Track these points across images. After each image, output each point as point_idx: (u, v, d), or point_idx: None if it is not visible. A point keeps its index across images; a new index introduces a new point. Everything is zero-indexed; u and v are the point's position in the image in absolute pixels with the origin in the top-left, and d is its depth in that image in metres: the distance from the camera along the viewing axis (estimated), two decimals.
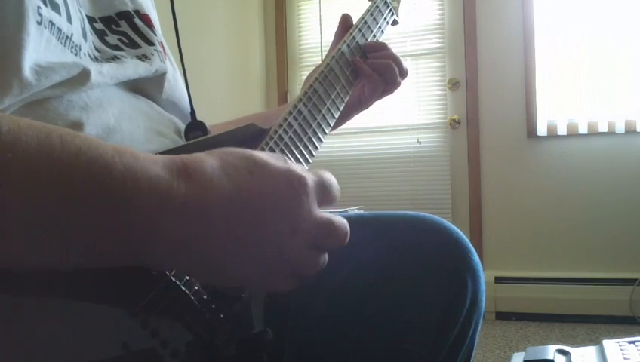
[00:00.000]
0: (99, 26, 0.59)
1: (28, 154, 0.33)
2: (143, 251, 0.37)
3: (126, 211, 0.35)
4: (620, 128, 2.77)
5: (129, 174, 0.35)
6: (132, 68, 0.58)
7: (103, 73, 0.53)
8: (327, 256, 0.43)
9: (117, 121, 0.53)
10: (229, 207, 0.38)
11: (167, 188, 0.36)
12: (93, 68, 0.52)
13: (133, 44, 0.61)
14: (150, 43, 0.62)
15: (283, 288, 0.43)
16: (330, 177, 0.44)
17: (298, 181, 0.41)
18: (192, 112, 0.65)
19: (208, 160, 0.39)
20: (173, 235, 0.37)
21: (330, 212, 0.45)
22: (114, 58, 0.57)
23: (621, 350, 0.75)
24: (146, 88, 0.62)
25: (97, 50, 0.56)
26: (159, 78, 0.62)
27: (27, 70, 0.45)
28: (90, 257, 0.36)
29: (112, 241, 0.36)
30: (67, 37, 0.51)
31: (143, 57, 0.60)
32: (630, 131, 2.77)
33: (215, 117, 0.90)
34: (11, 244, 0.33)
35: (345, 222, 0.44)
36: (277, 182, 0.40)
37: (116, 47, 0.59)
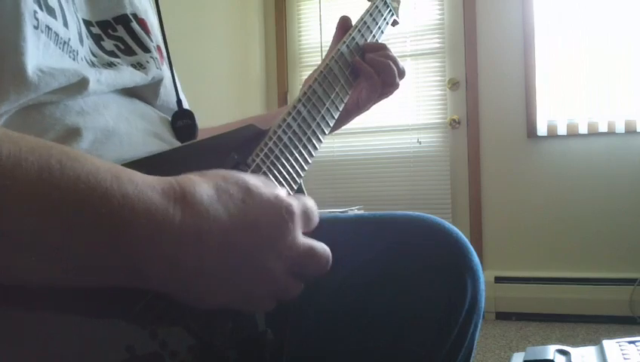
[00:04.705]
0: (95, 30, 0.59)
1: (28, 180, 0.33)
2: (137, 274, 0.38)
3: (122, 238, 0.36)
4: (620, 128, 2.77)
5: (126, 202, 0.36)
6: (128, 76, 0.58)
7: (100, 81, 0.53)
8: (301, 284, 0.46)
9: (115, 124, 0.53)
10: (222, 234, 0.40)
11: (164, 215, 0.37)
12: (92, 76, 0.52)
13: (129, 51, 0.61)
14: (146, 50, 0.62)
15: (261, 310, 0.46)
16: (312, 204, 0.47)
17: (286, 209, 0.43)
18: (179, 101, 0.65)
19: (204, 186, 0.40)
20: (167, 260, 0.38)
21: (330, 212, 0.45)
22: (110, 64, 0.57)
23: (621, 350, 0.75)
24: (142, 94, 0.62)
25: (94, 54, 0.56)
26: (155, 84, 0.63)
27: (29, 74, 0.45)
28: (85, 279, 0.37)
29: (106, 265, 0.37)
30: (64, 42, 0.51)
31: (139, 66, 0.61)
32: (630, 131, 2.77)
33: (215, 117, 0.91)
34: (10, 264, 0.34)
35: (327, 249, 0.46)
36: (267, 210, 0.42)
37: (112, 54, 0.59)
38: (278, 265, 0.43)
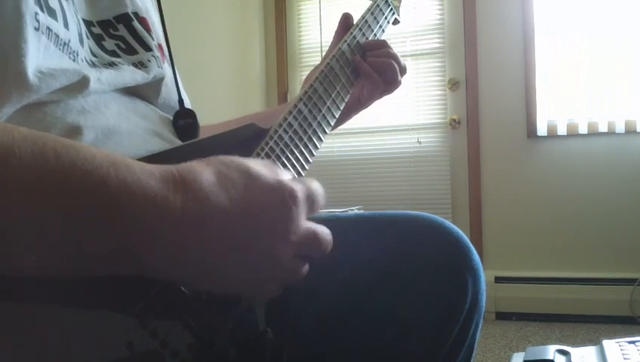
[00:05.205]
0: (96, 30, 0.59)
1: (22, 167, 0.33)
2: (139, 261, 0.37)
3: (122, 223, 0.36)
4: (620, 128, 2.77)
5: (124, 188, 0.36)
6: (129, 75, 0.58)
7: (101, 81, 0.53)
8: (307, 265, 0.46)
9: (116, 122, 0.53)
10: (225, 218, 0.39)
11: (163, 200, 0.37)
12: (92, 75, 0.52)
13: (130, 50, 0.61)
14: (147, 48, 0.62)
15: (268, 295, 0.46)
16: (317, 186, 0.46)
17: (289, 193, 0.43)
18: (180, 100, 0.65)
19: (205, 172, 0.40)
20: (169, 246, 0.37)
21: (330, 212, 0.45)
22: (111, 64, 0.57)
23: (621, 350, 0.74)
24: (143, 92, 0.62)
25: (94, 55, 0.56)
26: (156, 83, 0.63)
27: (30, 76, 0.45)
28: (86, 267, 0.37)
29: (107, 251, 0.36)
30: (65, 43, 0.51)
31: (140, 65, 0.60)
32: (630, 131, 2.77)
33: (215, 117, 0.90)
34: (8, 253, 0.34)
35: (327, 231, 0.46)
36: (270, 194, 0.42)
37: (113, 53, 0.59)
38: (285, 251, 0.42)
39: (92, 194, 0.35)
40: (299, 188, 0.43)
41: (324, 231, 0.45)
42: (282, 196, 0.42)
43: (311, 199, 0.45)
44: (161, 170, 0.39)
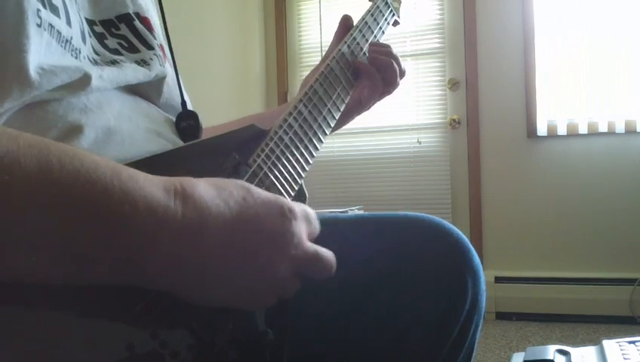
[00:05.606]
0: (99, 29, 0.59)
1: (26, 176, 0.33)
2: (137, 271, 0.38)
3: (123, 233, 0.36)
4: (620, 128, 2.77)
5: (127, 198, 0.36)
6: (131, 73, 0.58)
7: (103, 78, 0.53)
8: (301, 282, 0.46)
9: (117, 122, 0.53)
10: (224, 230, 0.40)
11: (165, 211, 0.37)
12: (94, 73, 0.52)
13: (133, 49, 0.61)
14: (150, 47, 0.62)
15: (260, 307, 0.46)
16: (312, 211, 0.47)
17: (289, 210, 0.43)
18: (183, 102, 0.66)
19: (204, 185, 0.41)
20: (169, 257, 0.38)
21: (330, 212, 0.46)
22: (113, 62, 0.57)
23: (621, 350, 0.75)
24: (145, 92, 0.62)
25: (97, 53, 0.56)
26: (158, 82, 0.63)
27: (31, 73, 0.45)
28: (87, 275, 0.37)
29: (110, 262, 0.36)
30: (67, 40, 0.51)
31: (142, 62, 0.61)
32: (630, 131, 2.77)
33: (215, 117, 0.90)
34: (10, 261, 0.34)
35: (331, 254, 0.46)
36: (269, 209, 0.42)
37: (115, 51, 0.59)
38: (283, 265, 0.43)
39: (95, 205, 0.35)
40: (297, 208, 0.45)
41: (327, 253, 0.46)
42: (281, 210, 0.43)
43: (308, 220, 0.46)
44: (164, 181, 0.39)
